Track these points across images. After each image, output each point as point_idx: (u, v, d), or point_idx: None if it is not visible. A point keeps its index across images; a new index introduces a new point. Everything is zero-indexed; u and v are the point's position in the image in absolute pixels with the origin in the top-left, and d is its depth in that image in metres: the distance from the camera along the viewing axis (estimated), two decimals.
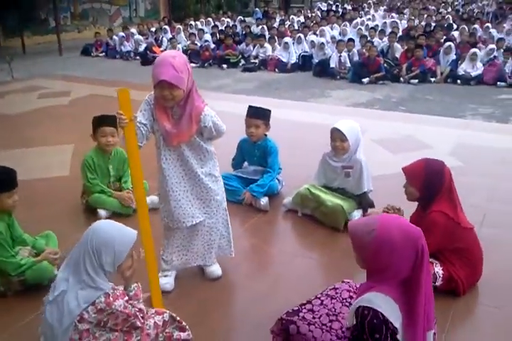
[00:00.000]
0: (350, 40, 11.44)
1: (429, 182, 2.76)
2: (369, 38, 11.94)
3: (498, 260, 3.15)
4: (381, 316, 1.90)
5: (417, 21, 15.34)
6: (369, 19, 16.04)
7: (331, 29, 14.11)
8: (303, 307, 2.37)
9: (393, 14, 17.80)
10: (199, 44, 13.08)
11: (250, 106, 3.99)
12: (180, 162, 2.72)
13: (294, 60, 11.61)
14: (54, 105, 7.65)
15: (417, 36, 11.51)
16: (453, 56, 10.53)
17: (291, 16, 18.16)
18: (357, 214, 3.65)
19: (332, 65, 10.74)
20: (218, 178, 2.86)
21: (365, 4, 24.61)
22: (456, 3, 26.33)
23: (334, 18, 16.19)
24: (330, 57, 10.97)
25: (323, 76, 10.85)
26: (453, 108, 8.14)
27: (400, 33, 13.10)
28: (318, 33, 13.07)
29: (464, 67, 10.14)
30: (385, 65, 10.56)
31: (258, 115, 3.94)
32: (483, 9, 21.15)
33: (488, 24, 14.25)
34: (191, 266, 3.03)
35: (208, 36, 13.68)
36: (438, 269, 2.81)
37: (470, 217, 2.93)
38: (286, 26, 15.11)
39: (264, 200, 3.94)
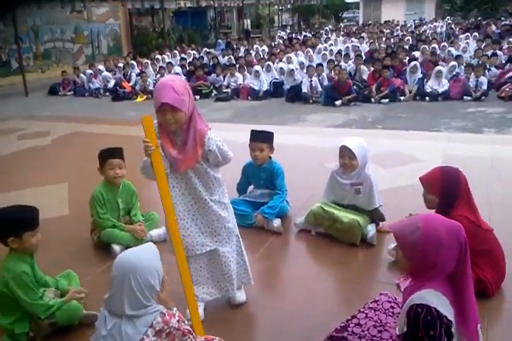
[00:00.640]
0: (320, 65, 11.80)
1: (448, 189, 2.87)
2: (336, 62, 12.32)
3: None
4: (435, 312, 1.95)
5: (377, 44, 15.95)
6: (331, 44, 16.58)
7: (296, 56, 14.51)
8: (349, 322, 2.41)
9: (353, 39, 18.50)
10: None
11: (253, 130, 4.05)
12: (188, 190, 2.70)
13: (265, 87, 11.84)
14: (37, 146, 7.53)
15: (382, 58, 11.96)
16: (419, 74, 10.98)
17: (255, 46, 18.59)
18: (371, 228, 3.72)
19: (304, 89, 11.00)
20: (228, 205, 2.84)
21: (322, 31, 25.53)
22: (408, 25, 27.59)
23: (298, 45, 16.67)
24: (301, 82, 11.25)
25: (296, 101, 11.08)
26: (427, 123, 8.42)
27: (364, 56, 13.58)
28: (285, 60, 13.41)
29: (430, 85, 10.57)
30: (354, 87, 10.90)
31: (262, 138, 3.99)
32: (435, 30, 22.21)
33: (445, 43, 14.97)
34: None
35: (178, 68, 13.82)
36: None
37: None
38: (253, 55, 15.44)
39: (277, 222, 3.96)
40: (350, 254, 3.62)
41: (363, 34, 20.77)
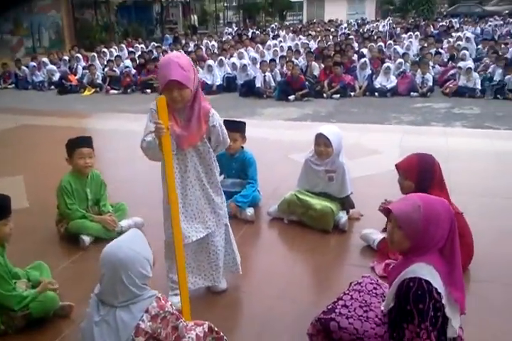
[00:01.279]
0: (272, 60, 11.90)
1: (425, 174, 2.99)
2: (287, 58, 12.46)
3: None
4: (426, 285, 2.02)
5: (325, 42, 16.26)
6: (281, 41, 16.74)
7: (246, 52, 14.54)
8: (336, 304, 2.45)
9: (301, 36, 18.78)
10: (118, 70, 12.89)
11: (225, 120, 4.00)
12: (187, 173, 2.67)
13: (218, 81, 11.82)
14: None
15: (332, 55, 12.19)
16: (368, 71, 11.30)
17: (205, 41, 18.47)
18: (342, 215, 3.80)
19: (258, 84, 11.05)
20: (222, 192, 2.83)
21: (268, 28, 25.74)
22: (352, 24, 28.37)
23: (247, 42, 16.71)
24: (254, 77, 11.30)
25: (250, 96, 11.14)
26: (378, 118, 8.68)
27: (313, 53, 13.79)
28: (236, 55, 13.41)
29: (379, 81, 10.91)
30: (306, 82, 11.06)
31: (234, 128, 3.95)
32: (377, 29, 22.92)
33: (391, 41, 15.50)
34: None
35: (127, 62, 13.52)
36: None
37: None
38: (203, 50, 15.34)
39: (250, 211, 3.97)
40: (323, 241, 3.68)
41: (311, 32, 21.11)
